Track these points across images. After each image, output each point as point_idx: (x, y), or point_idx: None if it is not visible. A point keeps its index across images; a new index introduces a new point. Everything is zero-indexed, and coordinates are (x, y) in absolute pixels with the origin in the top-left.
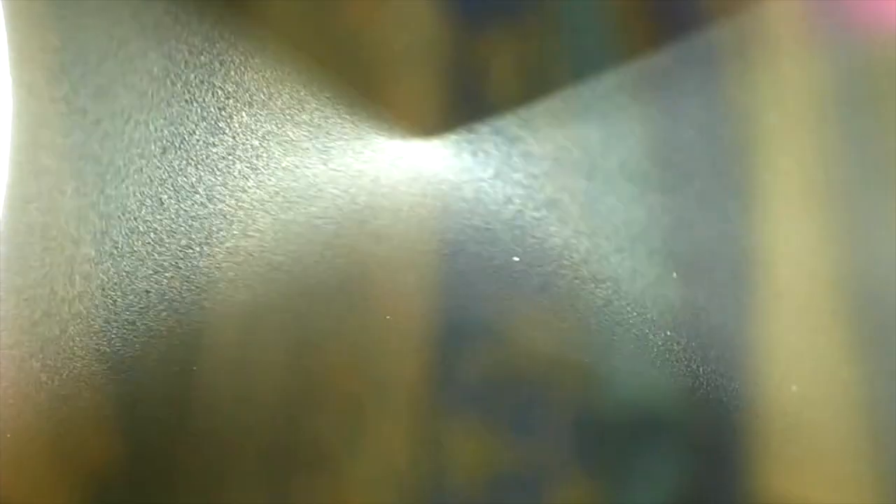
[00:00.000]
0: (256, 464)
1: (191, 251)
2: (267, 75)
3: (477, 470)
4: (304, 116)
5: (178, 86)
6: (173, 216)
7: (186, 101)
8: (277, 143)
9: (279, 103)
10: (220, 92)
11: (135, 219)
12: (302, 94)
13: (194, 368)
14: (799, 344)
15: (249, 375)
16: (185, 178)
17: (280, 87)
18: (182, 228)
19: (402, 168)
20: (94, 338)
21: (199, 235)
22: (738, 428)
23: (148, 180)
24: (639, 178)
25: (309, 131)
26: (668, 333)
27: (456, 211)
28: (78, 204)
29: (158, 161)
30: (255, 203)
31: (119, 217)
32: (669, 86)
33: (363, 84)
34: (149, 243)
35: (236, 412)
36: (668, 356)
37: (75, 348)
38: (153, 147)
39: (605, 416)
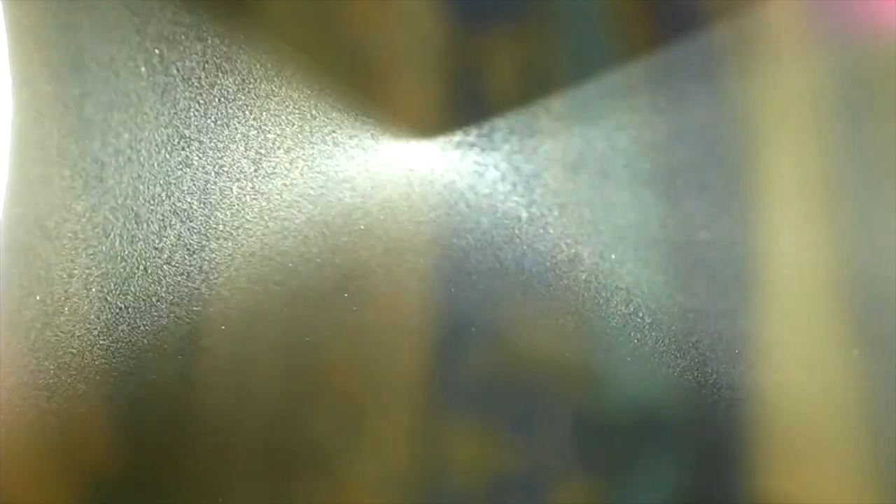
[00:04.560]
0: (256, 464)
1: (191, 251)
2: (267, 76)
3: (477, 470)
4: (303, 117)
5: (179, 87)
6: (173, 216)
7: (187, 102)
8: (277, 143)
9: (279, 104)
10: (220, 93)
11: (135, 219)
12: (302, 94)
13: (194, 368)
14: (799, 344)
15: (249, 375)
16: (185, 179)
17: (280, 87)
18: (182, 228)
19: (402, 168)
20: (94, 337)
21: (198, 236)
22: (737, 428)
23: (148, 181)
24: (639, 178)
25: (309, 132)
26: (669, 333)
27: (456, 211)
28: (78, 204)
29: (158, 161)
30: (254, 203)
31: (119, 217)
32: (670, 86)
33: (363, 84)
34: (148, 243)
35: (236, 412)
36: (668, 356)
37: (75, 348)
38: (153, 147)
39: (606, 416)
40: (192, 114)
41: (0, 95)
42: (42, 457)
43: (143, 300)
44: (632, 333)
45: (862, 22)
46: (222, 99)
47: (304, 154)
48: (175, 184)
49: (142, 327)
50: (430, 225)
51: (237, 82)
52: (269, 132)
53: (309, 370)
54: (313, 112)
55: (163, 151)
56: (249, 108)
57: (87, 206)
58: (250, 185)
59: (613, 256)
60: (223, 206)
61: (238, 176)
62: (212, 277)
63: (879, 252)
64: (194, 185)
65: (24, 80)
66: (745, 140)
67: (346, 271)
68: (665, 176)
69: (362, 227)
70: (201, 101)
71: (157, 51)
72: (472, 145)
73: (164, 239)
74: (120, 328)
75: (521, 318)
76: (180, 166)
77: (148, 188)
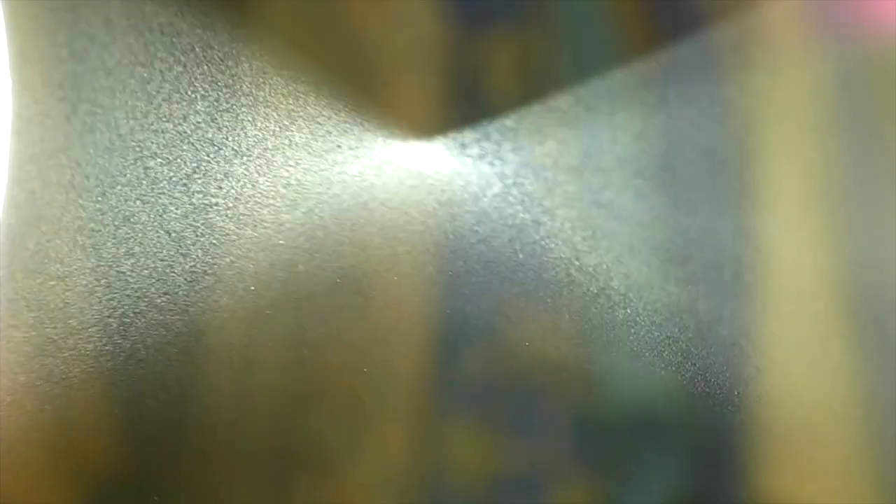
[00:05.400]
0: (256, 464)
1: (192, 251)
2: (268, 76)
3: (477, 470)
4: (304, 117)
5: (180, 87)
6: (174, 216)
7: (187, 102)
8: (278, 143)
9: (280, 104)
10: (220, 94)
11: (135, 219)
12: (302, 94)
13: (194, 368)
14: (799, 345)
15: (250, 374)
16: (186, 179)
17: (281, 87)
18: (183, 228)
19: (402, 168)
20: (95, 337)
21: (199, 236)
22: (737, 428)
23: (148, 181)
24: (639, 178)
25: (309, 132)
26: (668, 334)
27: (455, 211)
28: (78, 203)
29: (159, 162)
30: (255, 204)
31: (119, 217)
32: (669, 86)
33: (363, 84)
34: (149, 243)
35: (237, 411)
36: (667, 356)
37: (75, 348)
38: (154, 148)
39: (605, 416)
40: (191, 114)
41: (0, 95)
42: (42, 457)
43: (144, 300)
44: (631, 333)
45: (862, 22)
46: (222, 99)
47: (303, 154)
48: (175, 183)
49: (142, 327)
50: (429, 224)
51: (238, 83)
52: (268, 132)
53: (309, 370)
54: (313, 112)
55: (162, 152)
56: (249, 108)
57: (86, 206)
58: (249, 184)
59: (613, 256)
60: (223, 205)
61: (237, 175)
62: (212, 277)
63: (879, 251)
64: (194, 184)
65: (24, 80)
66: (745, 140)
67: (346, 270)
68: (665, 176)
69: (362, 226)
70: (201, 102)
71: (157, 51)
72: (471, 146)
73: (165, 238)
74: (120, 327)
75: (521, 318)
76: (180, 166)
77: (148, 188)
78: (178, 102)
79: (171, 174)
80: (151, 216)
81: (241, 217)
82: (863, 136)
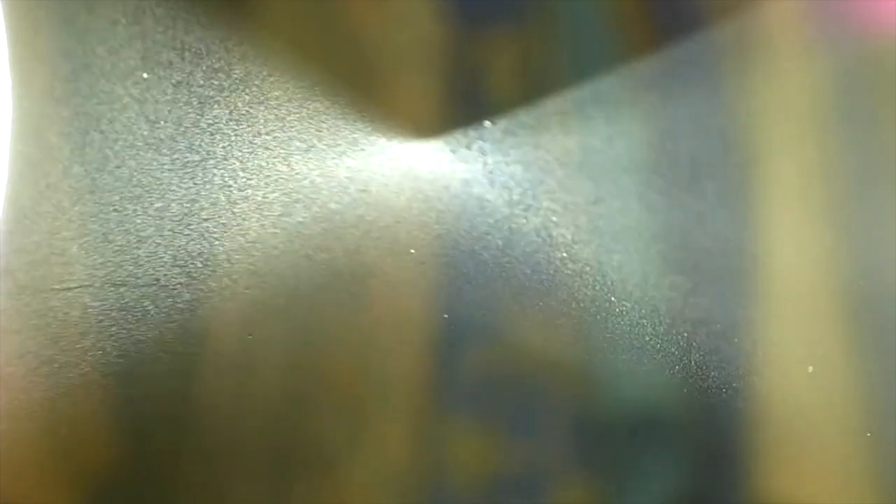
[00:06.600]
0: (257, 463)
1: (191, 252)
2: (268, 76)
3: (477, 470)
4: (304, 117)
5: (180, 87)
6: (173, 217)
7: (187, 102)
8: (278, 143)
9: (279, 104)
10: (220, 93)
11: (135, 219)
12: (302, 94)
13: (195, 367)
14: (799, 345)
15: (249, 375)
16: (185, 178)
17: (281, 88)
18: (183, 228)
19: (402, 168)
20: (94, 338)
21: (199, 236)
22: (737, 428)
23: (148, 181)
24: (639, 178)
25: (309, 132)
26: (669, 334)
27: (455, 211)
28: (78, 204)
29: (159, 162)
30: (255, 204)
31: (119, 217)
32: (670, 86)
33: (363, 85)
34: (149, 244)
35: (236, 412)
36: (668, 356)
37: (75, 348)
38: (153, 148)
39: (605, 416)
40: (191, 113)
41: (0, 95)
42: (42, 457)
43: (144, 300)
44: (631, 333)
45: (862, 22)
46: (222, 98)
47: (303, 154)
48: (175, 183)
49: (142, 327)
50: (429, 225)
51: (237, 83)
52: (268, 132)
53: (309, 370)
54: (313, 112)
55: (162, 151)
56: (249, 107)
57: (87, 206)
58: (249, 184)
59: (613, 256)
60: (223, 205)
61: (237, 175)
62: (212, 277)
63: (880, 251)
64: (194, 184)
65: (24, 80)
66: (746, 140)
67: (345, 271)
68: (665, 177)
69: (362, 226)
70: (201, 101)
71: (157, 51)
72: (471, 146)
73: (165, 238)
74: (120, 327)
75: (521, 319)
76: (180, 166)
77: (148, 187)
78: (177, 102)
79: (171, 174)
80: (151, 216)
81: (240, 217)
82: (863, 136)
